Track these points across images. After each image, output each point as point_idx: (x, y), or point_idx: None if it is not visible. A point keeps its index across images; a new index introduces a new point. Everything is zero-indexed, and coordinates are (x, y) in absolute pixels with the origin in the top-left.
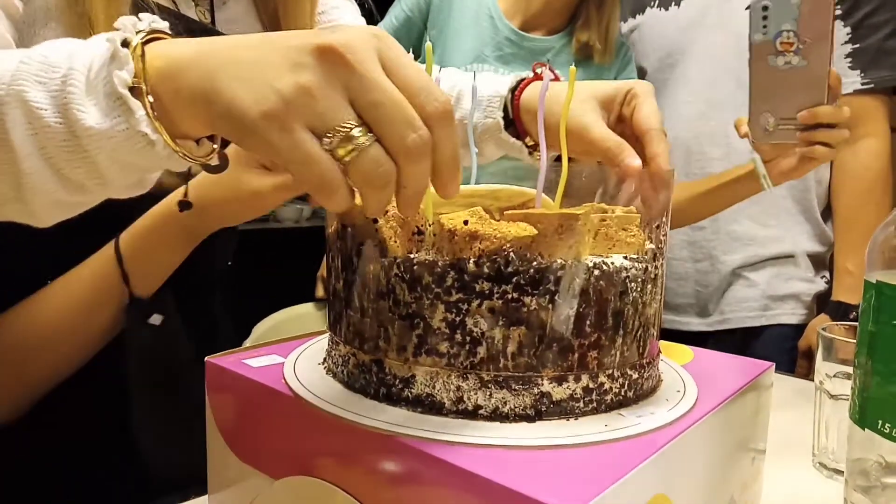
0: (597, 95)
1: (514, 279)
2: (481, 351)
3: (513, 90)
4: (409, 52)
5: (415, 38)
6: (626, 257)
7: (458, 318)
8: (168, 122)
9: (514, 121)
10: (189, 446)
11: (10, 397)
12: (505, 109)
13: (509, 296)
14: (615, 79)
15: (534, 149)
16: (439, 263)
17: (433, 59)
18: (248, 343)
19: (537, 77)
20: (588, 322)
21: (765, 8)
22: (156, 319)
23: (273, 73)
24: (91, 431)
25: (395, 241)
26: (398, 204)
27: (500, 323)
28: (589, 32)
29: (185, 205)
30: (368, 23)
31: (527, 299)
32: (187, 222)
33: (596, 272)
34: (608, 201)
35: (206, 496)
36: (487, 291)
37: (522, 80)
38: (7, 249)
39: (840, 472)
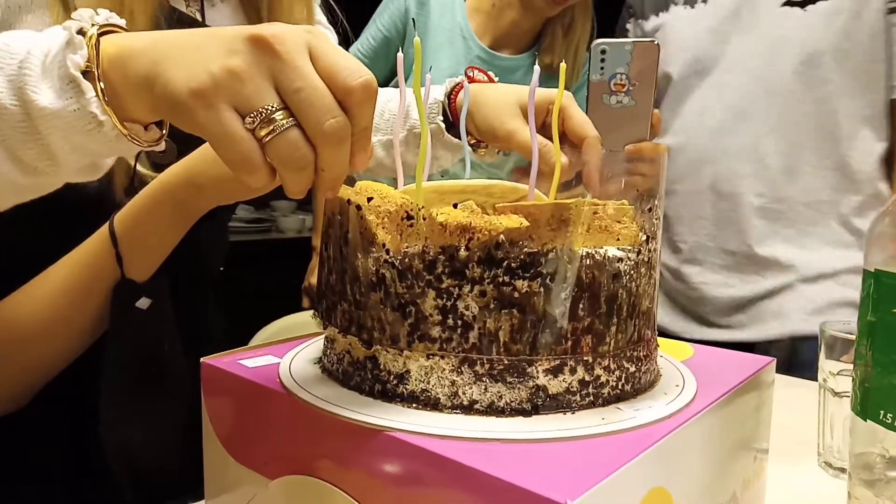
0: (520, 102)
1: (504, 263)
2: (473, 336)
3: (448, 95)
4: (388, 72)
5: (392, 57)
6: (619, 248)
7: (449, 304)
8: (117, 105)
9: (455, 123)
10: (174, 446)
11: (8, 390)
12: (445, 114)
13: (500, 279)
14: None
15: (477, 146)
16: (430, 251)
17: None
18: None
19: (471, 80)
20: (581, 306)
21: (603, 51)
22: (143, 303)
23: (207, 57)
24: (63, 426)
25: (384, 229)
26: (316, 186)
27: (492, 307)
28: (552, 56)
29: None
30: (344, 44)
31: (519, 283)
32: (182, 198)
33: (588, 261)
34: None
35: (203, 501)
36: (478, 277)
37: (457, 84)
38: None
39: (846, 471)
